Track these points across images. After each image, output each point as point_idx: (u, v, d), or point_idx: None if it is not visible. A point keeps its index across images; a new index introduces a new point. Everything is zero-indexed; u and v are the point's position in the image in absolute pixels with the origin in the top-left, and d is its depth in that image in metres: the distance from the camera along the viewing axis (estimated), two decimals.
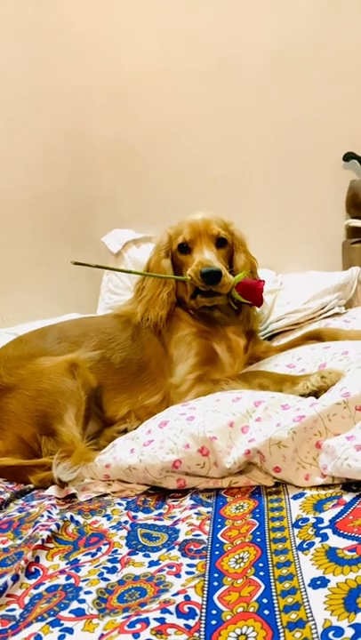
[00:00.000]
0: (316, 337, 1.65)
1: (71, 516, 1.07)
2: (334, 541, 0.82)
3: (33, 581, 0.88)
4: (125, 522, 1.06)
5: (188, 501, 1.09)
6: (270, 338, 1.93)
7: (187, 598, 0.78)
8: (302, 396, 1.25)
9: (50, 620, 0.76)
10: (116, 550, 0.96)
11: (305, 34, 2.40)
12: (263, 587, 0.77)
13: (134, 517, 1.08)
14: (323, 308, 1.95)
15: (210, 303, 1.55)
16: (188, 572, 0.86)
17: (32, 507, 1.17)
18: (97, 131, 2.59)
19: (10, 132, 2.60)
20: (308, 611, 0.70)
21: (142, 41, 2.50)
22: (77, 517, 1.08)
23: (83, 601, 0.80)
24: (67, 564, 0.93)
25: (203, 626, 0.72)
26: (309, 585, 0.75)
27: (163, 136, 2.54)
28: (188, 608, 0.76)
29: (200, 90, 2.50)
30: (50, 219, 2.67)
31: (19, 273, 2.68)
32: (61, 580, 0.88)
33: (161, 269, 1.61)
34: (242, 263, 1.61)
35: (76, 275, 2.68)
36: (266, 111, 2.47)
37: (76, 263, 1.39)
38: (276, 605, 0.73)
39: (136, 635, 0.70)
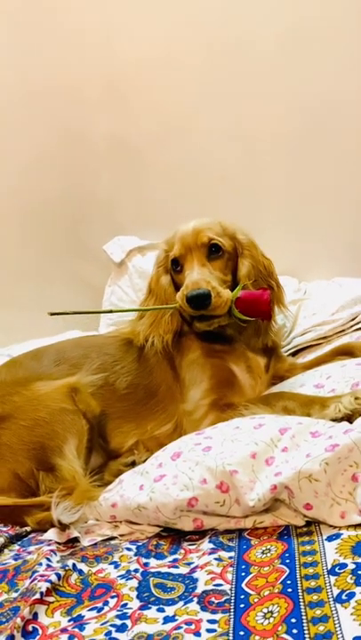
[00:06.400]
0: (347, 352, 1.63)
1: (73, 564, 1.06)
2: None
3: None
4: (135, 570, 1.05)
5: (206, 545, 1.08)
6: (295, 354, 1.92)
7: None
8: (334, 420, 1.23)
9: None
10: (126, 604, 0.94)
11: (321, 10, 2.38)
12: None
13: (146, 565, 1.06)
14: (354, 319, 1.93)
15: (210, 327, 1.50)
16: (209, 630, 0.84)
17: (29, 553, 1.16)
18: (92, 127, 2.60)
19: None
20: None
21: (141, 26, 2.50)
22: (80, 565, 1.07)
23: None
24: (69, 620, 0.92)
25: None
26: None
27: (165, 131, 2.53)
28: None
29: (206, 79, 2.49)
30: (42, 226, 2.67)
31: (7, 288, 2.69)
32: None
33: (160, 288, 1.62)
34: (245, 271, 1.55)
35: (74, 287, 2.69)
36: (280, 101, 2.43)
37: (53, 314, 1.46)
38: None
39: None
